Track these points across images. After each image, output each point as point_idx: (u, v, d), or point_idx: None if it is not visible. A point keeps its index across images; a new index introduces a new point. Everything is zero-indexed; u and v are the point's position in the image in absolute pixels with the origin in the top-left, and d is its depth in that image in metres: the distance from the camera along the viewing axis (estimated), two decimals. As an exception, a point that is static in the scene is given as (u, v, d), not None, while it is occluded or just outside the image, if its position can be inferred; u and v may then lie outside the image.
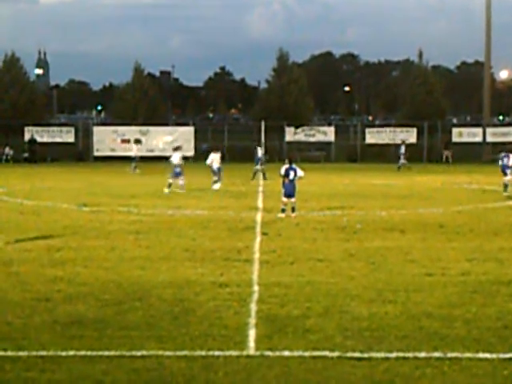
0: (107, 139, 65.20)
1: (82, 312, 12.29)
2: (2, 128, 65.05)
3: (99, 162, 62.53)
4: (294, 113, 67.35)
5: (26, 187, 36.92)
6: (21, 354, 10.00)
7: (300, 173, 25.17)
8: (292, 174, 25.10)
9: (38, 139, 64.96)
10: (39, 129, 65.83)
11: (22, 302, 12.95)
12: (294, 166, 25.27)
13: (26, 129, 65.55)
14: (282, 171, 25.20)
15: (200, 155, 58.78)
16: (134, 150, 51.32)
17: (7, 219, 24.44)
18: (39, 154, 64.07)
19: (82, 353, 10.10)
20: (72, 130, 68.05)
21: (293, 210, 24.99)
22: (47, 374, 9.25)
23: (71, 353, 10.08)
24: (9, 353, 10.03)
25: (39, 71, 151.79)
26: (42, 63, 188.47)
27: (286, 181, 25.03)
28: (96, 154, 65.08)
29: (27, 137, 65.26)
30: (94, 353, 10.11)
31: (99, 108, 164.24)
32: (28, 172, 49.87)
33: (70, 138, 66.89)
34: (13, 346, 10.30)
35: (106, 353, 10.14)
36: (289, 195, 25.04)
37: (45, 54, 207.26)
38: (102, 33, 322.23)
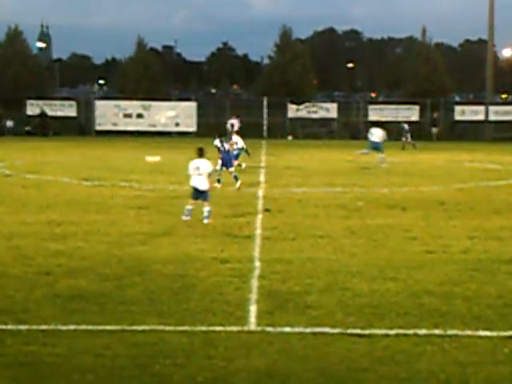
0: (109, 113, 65.07)
1: (83, 286, 12.29)
2: (3, 101, 64.93)
3: (101, 136, 62.43)
4: (297, 89, 67.23)
5: (27, 161, 36.88)
6: (21, 327, 10.01)
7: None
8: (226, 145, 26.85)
9: (38, 112, 64.85)
10: (41, 102, 65.72)
11: (23, 275, 12.96)
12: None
13: (28, 102, 65.48)
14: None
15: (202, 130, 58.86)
16: None
17: (9, 193, 24.43)
18: (51, 128, 64.06)
19: (83, 327, 10.10)
20: (74, 103, 67.94)
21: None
22: (48, 347, 9.24)
23: (72, 327, 10.08)
24: (9, 326, 10.04)
25: (42, 44, 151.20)
26: (44, 36, 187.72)
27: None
28: (98, 128, 64.97)
29: (30, 110, 65.21)
30: (95, 327, 10.12)
31: (101, 82, 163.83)
32: (30, 146, 49.78)
33: (72, 112, 66.80)
34: (13, 319, 10.30)
35: (107, 327, 10.15)
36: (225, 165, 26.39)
37: (47, 28, 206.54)
38: (105, 7, 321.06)
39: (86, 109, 67.15)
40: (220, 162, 26.53)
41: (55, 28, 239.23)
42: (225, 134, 29.73)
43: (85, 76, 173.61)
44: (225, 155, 26.72)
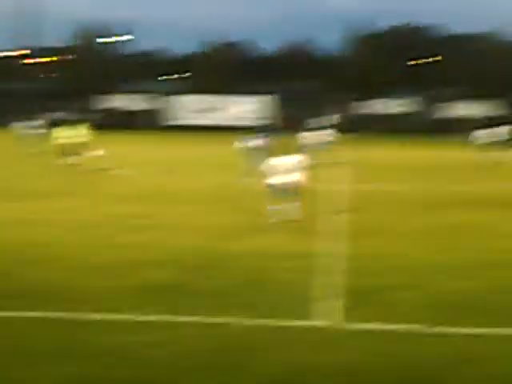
0: (185, 107, 65.36)
1: (163, 277, 12.22)
2: (78, 94, 65.76)
3: (179, 130, 62.72)
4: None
5: (108, 153, 37.14)
6: (101, 317, 9.97)
7: None
8: None
9: (118, 105, 65.60)
10: (116, 96, 66.39)
11: (104, 265, 12.98)
12: None
13: (104, 96, 66.25)
14: None
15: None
16: None
17: (94, 184, 24.68)
18: (121, 121, 64.78)
19: (161, 318, 10.00)
20: (150, 97, 68.43)
21: None
22: (128, 337, 9.17)
23: (150, 317, 10.00)
24: (92, 315, 10.00)
25: (120, 38, 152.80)
26: (123, 30, 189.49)
27: None
28: (174, 122, 65.30)
29: (110, 104, 66.03)
30: (172, 318, 10.00)
31: (180, 76, 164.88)
32: (102, 138, 50.27)
33: (148, 105, 67.30)
34: (93, 308, 10.28)
35: (186, 318, 10.02)
36: None
37: (128, 21, 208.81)
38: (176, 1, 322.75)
39: (162, 102, 67.50)
40: None
41: (136, 21, 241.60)
42: None
43: (162, 69, 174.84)
44: None
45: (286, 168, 17.69)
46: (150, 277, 12.22)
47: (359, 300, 11.03)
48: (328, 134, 35.23)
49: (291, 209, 17.71)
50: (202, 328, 9.68)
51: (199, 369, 8.28)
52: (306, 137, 33.39)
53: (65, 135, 27.34)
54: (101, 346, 8.86)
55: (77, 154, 26.92)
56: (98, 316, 9.99)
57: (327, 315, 10.26)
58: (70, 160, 27.32)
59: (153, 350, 8.76)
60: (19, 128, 38.60)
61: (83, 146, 27.52)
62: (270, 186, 17.78)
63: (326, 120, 46.90)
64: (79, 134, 26.96)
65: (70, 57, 71.51)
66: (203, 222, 17.83)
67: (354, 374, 8.21)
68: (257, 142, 28.30)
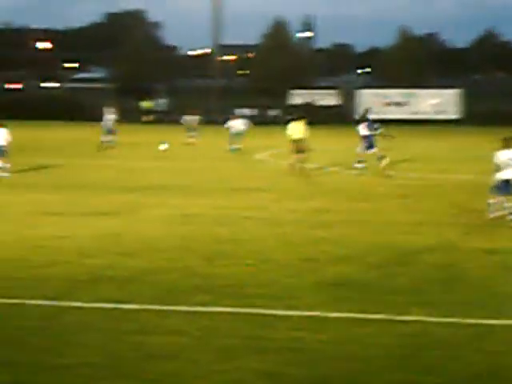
0: (371, 102, 65.15)
1: (348, 274, 12.33)
2: (268, 91, 66.83)
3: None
4: None
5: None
6: (290, 313, 10.17)
7: None
8: None
9: (309, 101, 66.04)
10: (304, 92, 66.98)
11: (290, 261, 13.19)
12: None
13: (292, 92, 66.94)
14: None
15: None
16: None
17: (274, 180, 25.08)
18: (316, 117, 65.18)
19: (348, 315, 10.12)
20: (336, 92, 68.65)
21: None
22: (315, 334, 9.32)
23: (337, 314, 10.12)
24: (279, 311, 10.22)
25: (305, 34, 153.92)
26: (307, 27, 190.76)
27: None
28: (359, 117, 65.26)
29: (294, 100, 66.65)
30: (360, 315, 10.11)
31: (362, 71, 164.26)
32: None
33: (334, 101, 67.52)
34: (282, 305, 10.48)
35: (372, 316, 10.10)
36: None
37: (311, 17, 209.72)
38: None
39: (348, 98, 67.63)
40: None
41: (318, 17, 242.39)
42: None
43: (346, 65, 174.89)
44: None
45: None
46: (338, 273, 12.35)
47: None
48: None
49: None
50: (387, 326, 9.73)
51: (383, 368, 8.33)
52: None
53: (294, 131, 27.82)
54: (285, 341, 9.04)
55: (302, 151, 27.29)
56: (284, 312, 10.19)
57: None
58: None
59: (338, 347, 8.91)
60: (233, 125, 39.01)
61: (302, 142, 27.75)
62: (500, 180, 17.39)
63: None
64: (301, 130, 27.41)
65: (260, 54, 72.75)
66: (382, 217, 17.89)
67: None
68: None
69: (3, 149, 25.09)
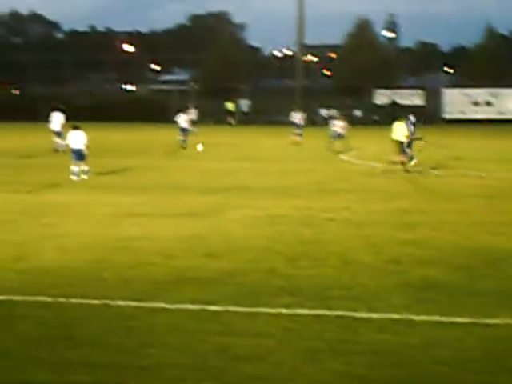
0: (457, 101, 64.33)
1: (433, 276, 12.17)
2: (351, 90, 66.56)
3: (449, 124, 61.80)
4: None
5: (375, 149, 37.44)
6: (374, 315, 10.09)
7: None
8: None
9: (395, 100, 65.62)
10: (388, 91, 66.51)
11: (374, 263, 13.09)
12: None
13: (377, 91, 66.54)
14: None
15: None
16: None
17: (357, 181, 24.97)
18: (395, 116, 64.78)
19: (435, 318, 9.99)
20: (421, 92, 68.00)
21: None
22: (400, 337, 9.22)
23: (424, 317, 10.00)
24: (362, 314, 10.15)
25: (389, 33, 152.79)
26: (391, 25, 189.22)
27: None
28: (446, 116, 64.46)
29: (378, 99, 66.27)
30: (447, 318, 9.96)
31: (448, 70, 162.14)
32: (377, 134, 50.51)
33: (420, 101, 66.84)
34: (366, 307, 10.41)
35: (459, 319, 9.94)
36: None
37: (395, 16, 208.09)
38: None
39: (434, 97, 66.88)
40: None
41: (402, 16, 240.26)
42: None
43: (431, 64, 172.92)
44: None
45: None
46: (422, 275, 12.19)
47: None
48: None
49: None
50: (474, 329, 9.55)
51: (472, 372, 8.19)
52: None
53: (395, 131, 27.79)
54: (369, 344, 8.97)
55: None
56: (368, 314, 10.11)
57: None
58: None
59: (425, 351, 8.78)
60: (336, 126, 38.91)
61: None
62: None
63: None
64: (402, 130, 27.43)
65: (343, 53, 72.58)
66: (468, 218, 17.60)
67: None
68: None
69: (82, 152, 25.35)
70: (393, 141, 27.52)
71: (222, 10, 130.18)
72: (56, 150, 35.70)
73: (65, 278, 12.04)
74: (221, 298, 10.86)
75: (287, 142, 43.08)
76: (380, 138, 34.67)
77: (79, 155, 25.19)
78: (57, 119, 37.12)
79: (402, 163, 26.91)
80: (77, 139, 25.40)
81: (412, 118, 30.30)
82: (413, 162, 27.91)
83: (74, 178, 24.85)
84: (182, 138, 38.77)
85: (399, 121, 28.11)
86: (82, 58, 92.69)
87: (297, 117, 45.35)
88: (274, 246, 14.51)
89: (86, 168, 25.29)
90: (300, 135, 43.46)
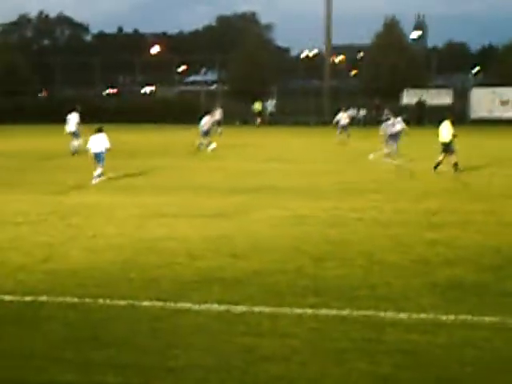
0: (485, 101, 63.91)
1: (461, 276, 12.08)
2: (380, 91, 66.37)
3: (476, 124, 61.43)
4: None
5: (402, 149, 37.24)
6: (401, 315, 10.03)
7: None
8: None
9: (412, 101, 65.40)
10: (417, 91, 66.26)
11: (402, 263, 13.01)
12: None
13: (405, 91, 66.33)
14: None
15: None
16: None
17: (384, 181, 24.86)
18: (427, 117, 64.55)
19: (462, 318, 9.92)
20: (450, 91, 67.70)
21: None
22: (427, 336, 9.18)
23: (451, 317, 9.93)
24: (389, 314, 10.10)
25: (417, 33, 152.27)
26: (420, 25, 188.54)
27: None
28: (473, 115, 64.08)
29: (407, 99, 66.06)
30: (475, 318, 9.89)
31: (477, 69, 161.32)
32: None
33: (448, 100, 66.50)
34: (393, 307, 10.35)
35: (487, 319, 9.88)
36: None
37: (423, 16, 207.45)
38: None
39: (462, 97, 66.55)
40: None
41: (431, 16, 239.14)
42: None
43: (460, 64, 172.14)
44: None
45: None
46: (450, 275, 12.11)
47: None
48: None
49: None
50: (502, 329, 9.48)
51: (498, 371, 8.15)
52: None
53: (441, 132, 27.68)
54: (396, 344, 8.93)
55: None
56: (395, 314, 10.05)
57: None
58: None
59: (452, 350, 8.73)
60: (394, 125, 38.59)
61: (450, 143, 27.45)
62: None
63: None
64: (448, 130, 27.29)
65: (371, 53, 72.34)
66: (496, 218, 17.48)
67: None
68: None
69: (102, 155, 25.15)
70: (441, 142, 27.30)
71: (249, 10, 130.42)
72: (73, 153, 35.56)
73: (91, 278, 12.08)
74: (246, 298, 10.84)
75: (334, 142, 42.99)
76: (408, 138, 34.44)
77: (99, 158, 24.96)
78: (73, 120, 36.98)
79: (455, 164, 26.60)
80: (99, 142, 25.16)
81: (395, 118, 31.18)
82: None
83: (93, 181, 24.66)
84: (202, 140, 38.03)
85: (446, 121, 27.84)
86: (110, 59, 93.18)
87: (343, 116, 45.24)
88: (300, 245, 14.47)
89: (99, 171, 24.88)
90: (348, 135, 43.72)
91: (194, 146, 37.63)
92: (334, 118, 46.36)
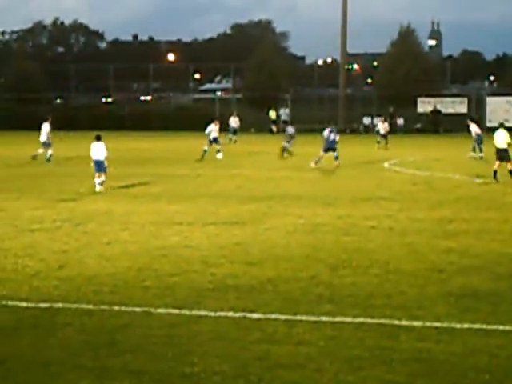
0: (500, 109, 63.81)
1: (476, 284, 12.08)
2: (394, 98, 66.34)
3: (492, 133, 61.19)
4: None
5: (417, 158, 37.26)
6: (415, 323, 10.04)
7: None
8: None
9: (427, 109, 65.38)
10: (432, 100, 66.21)
11: (416, 271, 13.01)
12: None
13: (420, 100, 66.27)
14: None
15: None
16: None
17: (399, 190, 24.82)
18: (442, 125, 64.55)
19: (477, 326, 9.93)
20: (465, 100, 67.62)
21: None
22: (441, 345, 9.18)
23: (465, 325, 9.94)
24: (404, 322, 10.11)
25: (432, 42, 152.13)
26: (435, 34, 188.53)
27: None
28: (489, 124, 63.95)
29: (421, 108, 66.04)
30: (489, 326, 9.89)
31: (492, 78, 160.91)
32: (420, 143, 50.28)
33: (463, 109, 66.43)
34: (407, 315, 10.36)
35: (501, 327, 9.88)
36: None
37: (438, 25, 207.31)
38: (495, 1, 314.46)
39: (477, 105, 66.43)
40: None
41: (446, 24, 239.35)
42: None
43: (475, 72, 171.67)
44: None
45: None
46: (465, 283, 12.12)
47: None
48: None
49: None
50: (516, 338, 9.50)
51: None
52: None
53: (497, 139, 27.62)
54: (411, 352, 8.93)
55: None
56: (410, 322, 10.06)
57: None
58: None
59: (467, 358, 8.72)
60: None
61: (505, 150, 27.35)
62: None
63: None
64: (504, 138, 27.19)
65: (387, 61, 72.47)
66: (511, 226, 17.50)
67: None
68: None
69: (102, 163, 24.89)
70: (497, 149, 27.24)
71: (264, 18, 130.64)
72: (33, 157, 36.94)
73: (107, 285, 12.14)
74: (262, 305, 10.88)
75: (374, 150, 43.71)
76: (423, 147, 34.45)
77: (99, 166, 24.91)
78: (44, 130, 37.68)
79: (511, 172, 26.50)
80: (98, 150, 25.14)
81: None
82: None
83: (96, 188, 24.59)
84: (207, 147, 37.66)
85: (501, 128, 27.81)
86: (125, 67, 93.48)
87: (381, 126, 46.19)
88: (315, 253, 14.49)
89: (103, 179, 24.81)
90: (386, 143, 44.75)
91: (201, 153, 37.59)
92: (360, 126, 47.40)
